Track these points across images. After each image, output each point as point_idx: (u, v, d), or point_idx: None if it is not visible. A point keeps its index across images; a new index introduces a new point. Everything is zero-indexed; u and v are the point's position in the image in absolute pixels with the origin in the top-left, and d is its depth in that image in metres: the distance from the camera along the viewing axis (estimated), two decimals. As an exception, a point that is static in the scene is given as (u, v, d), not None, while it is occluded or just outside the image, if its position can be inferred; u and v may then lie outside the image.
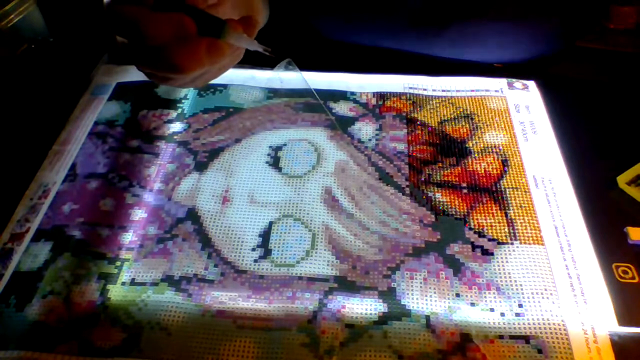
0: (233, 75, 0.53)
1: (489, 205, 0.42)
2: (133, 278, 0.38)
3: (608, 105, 0.50)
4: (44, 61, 0.56)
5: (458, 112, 0.49)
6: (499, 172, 0.44)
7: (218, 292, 0.37)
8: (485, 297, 0.37)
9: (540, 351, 0.34)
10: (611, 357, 0.33)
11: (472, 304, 0.36)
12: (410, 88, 0.52)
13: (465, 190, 0.43)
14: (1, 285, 0.38)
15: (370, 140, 0.47)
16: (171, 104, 0.51)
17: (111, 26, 0.30)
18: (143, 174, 0.45)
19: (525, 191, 0.43)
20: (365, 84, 0.52)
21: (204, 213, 0.42)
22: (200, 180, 0.44)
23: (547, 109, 0.50)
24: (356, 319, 0.36)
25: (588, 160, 0.45)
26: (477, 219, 0.41)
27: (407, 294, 0.37)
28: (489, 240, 0.40)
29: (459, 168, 0.45)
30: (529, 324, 0.35)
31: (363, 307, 0.36)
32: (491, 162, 0.45)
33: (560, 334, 0.35)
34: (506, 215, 0.41)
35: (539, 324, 0.35)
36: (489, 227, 0.41)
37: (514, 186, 0.43)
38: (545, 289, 0.37)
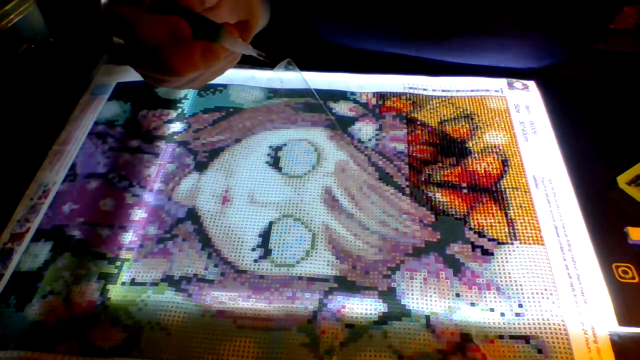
0: (233, 75, 0.53)
1: (489, 205, 0.42)
2: (133, 278, 0.38)
3: (608, 105, 0.50)
4: (44, 61, 0.56)
5: (458, 112, 0.49)
6: (499, 172, 0.44)
7: (218, 292, 0.37)
8: (485, 297, 0.37)
9: (540, 351, 0.34)
10: (611, 357, 0.33)
11: (472, 304, 0.36)
12: (410, 88, 0.52)
13: (465, 190, 0.43)
14: (1, 285, 0.38)
15: (370, 140, 0.47)
16: (171, 104, 0.51)
17: (108, 26, 0.30)
18: (143, 174, 0.45)
19: (525, 191, 0.43)
20: (365, 84, 0.52)
21: (204, 213, 0.42)
22: (200, 180, 0.44)
23: (547, 109, 0.50)
24: (356, 319, 0.36)
25: (588, 160, 0.45)
26: (477, 219, 0.41)
27: (407, 294, 0.37)
28: (489, 240, 0.40)
29: (459, 168, 0.45)
30: (529, 324, 0.35)
31: (363, 307, 0.36)
32: (491, 162, 0.45)
33: (560, 334, 0.35)
34: (506, 215, 0.41)
35: (539, 324, 0.35)
36: (489, 227, 0.41)
37: (514, 186, 0.43)
38: (545, 289, 0.37)
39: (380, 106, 0.50)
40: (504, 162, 0.45)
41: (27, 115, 0.51)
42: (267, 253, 0.39)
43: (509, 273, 0.38)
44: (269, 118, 0.49)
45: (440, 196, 0.43)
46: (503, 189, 0.43)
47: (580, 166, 0.44)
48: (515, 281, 0.37)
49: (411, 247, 0.39)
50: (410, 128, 0.48)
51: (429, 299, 0.37)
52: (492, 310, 0.36)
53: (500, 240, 0.40)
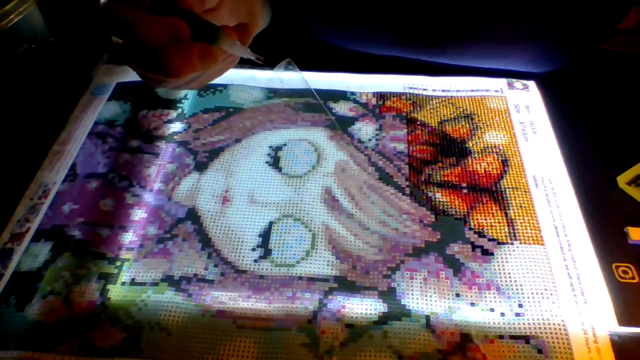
0: (233, 75, 0.53)
1: (489, 205, 0.42)
2: (133, 278, 0.38)
3: (608, 105, 0.50)
4: (44, 61, 0.56)
5: (458, 112, 0.49)
6: (499, 172, 0.44)
7: (218, 292, 0.37)
8: (485, 297, 0.37)
9: (540, 351, 0.34)
10: (611, 357, 0.33)
11: (472, 304, 0.36)
12: (410, 88, 0.52)
13: (465, 190, 0.43)
14: (1, 285, 0.38)
15: (370, 140, 0.47)
16: (171, 104, 0.51)
17: (107, 26, 0.30)
18: (143, 174, 0.45)
19: (525, 191, 0.43)
20: (365, 84, 0.52)
21: (204, 213, 0.42)
22: (200, 180, 0.44)
23: (547, 109, 0.50)
24: (356, 319, 0.36)
25: (588, 160, 0.45)
26: (477, 219, 0.41)
27: (407, 294, 0.37)
28: (489, 240, 0.40)
29: (459, 168, 0.45)
30: (529, 324, 0.35)
31: (363, 307, 0.36)
32: (491, 162, 0.45)
33: (560, 334, 0.35)
34: (506, 215, 0.41)
35: (539, 324, 0.35)
36: (489, 227, 0.41)
37: (514, 186, 0.43)
38: (545, 289, 0.37)
39: (380, 106, 0.50)
40: (504, 162, 0.45)
41: (27, 115, 0.51)
42: (267, 253, 0.39)
43: (509, 273, 0.38)
44: (269, 118, 0.49)
45: (440, 196, 0.43)
46: (503, 189, 0.43)
47: (580, 166, 0.44)
48: (515, 281, 0.37)
49: (411, 247, 0.39)
50: (410, 128, 0.48)
51: (429, 299, 0.37)
52: (492, 310, 0.36)
53: (500, 240, 0.40)
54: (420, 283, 0.37)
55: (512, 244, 0.39)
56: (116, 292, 0.37)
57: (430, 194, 0.43)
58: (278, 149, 0.47)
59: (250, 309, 0.36)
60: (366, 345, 0.34)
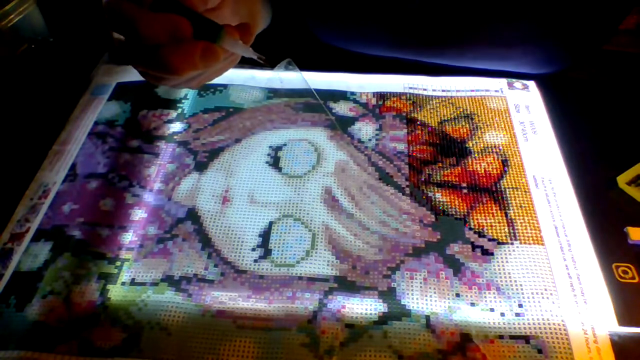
0: (233, 75, 0.53)
1: (489, 205, 0.42)
2: (133, 278, 0.38)
3: (608, 105, 0.50)
4: (44, 61, 0.56)
5: (458, 112, 0.49)
6: (499, 172, 0.44)
7: (218, 292, 0.37)
8: (485, 297, 0.37)
9: (540, 351, 0.34)
10: (611, 357, 0.33)
11: (472, 304, 0.36)
12: (410, 88, 0.52)
13: (465, 190, 0.43)
14: (1, 285, 0.38)
15: (370, 140, 0.47)
16: (171, 104, 0.51)
17: (109, 23, 0.30)
18: (143, 174, 0.45)
19: (525, 191, 0.43)
20: (365, 84, 0.52)
21: (204, 213, 0.42)
22: (200, 180, 0.44)
23: (547, 109, 0.50)
24: (356, 319, 0.36)
25: (588, 160, 0.45)
26: (477, 219, 0.41)
27: (407, 294, 0.37)
28: (489, 240, 0.40)
29: (459, 168, 0.45)
30: (529, 324, 0.35)
31: (363, 307, 0.36)
32: (491, 162, 0.45)
33: (560, 334, 0.35)
34: (506, 215, 0.41)
35: (539, 324, 0.35)
36: (489, 227, 0.41)
37: (514, 186, 0.43)
38: (545, 289, 0.37)
39: (380, 106, 0.50)
40: (504, 162, 0.45)
41: (27, 115, 0.51)
42: (267, 253, 0.39)
43: (509, 273, 0.38)
44: (269, 118, 0.49)
45: (440, 196, 0.43)
46: (503, 189, 0.43)
47: (580, 166, 0.44)
48: (515, 281, 0.37)
49: (411, 247, 0.39)
50: (410, 128, 0.48)
51: (429, 299, 0.37)
52: (492, 310, 0.36)
53: (500, 240, 0.40)
54: (420, 283, 0.37)
55: (512, 244, 0.39)
56: (116, 292, 0.37)
57: (430, 194, 0.43)
58: (278, 149, 0.47)
59: (250, 309, 0.36)
60: (366, 345, 0.34)
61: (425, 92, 0.51)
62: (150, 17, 0.29)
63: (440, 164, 0.45)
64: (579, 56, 0.52)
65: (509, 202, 0.42)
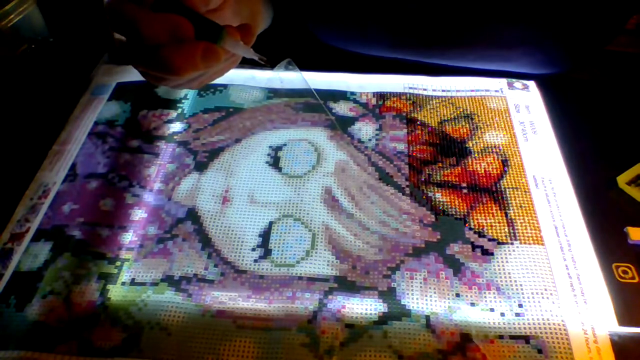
0: (233, 75, 0.53)
1: (489, 205, 0.42)
2: (133, 278, 0.38)
3: (608, 105, 0.50)
4: (44, 61, 0.56)
5: (458, 112, 0.49)
6: (499, 172, 0.44)
7: (218, 292, 0.37)
8: (485, 297, 0.37)
9: (540, 351, 0.34)
10: (611, 357, 0.33)
11: (472, 304, 0.36)
12: (410, 88, 0.52)
13: (465, 190, 0.43)
14: (1, 285, 0.38)
15: (370, 140, 0.47)
16: (171, 104, 0.51)
17: (110, 23, 0.30)
18: (143, 174, 0.45)
19: (525, 191, 0.43)
20: (365, 84, 0.52)
21: (204, 213, 0.42)
22: (200, 180, 0.44)
23: (547, 109, 0.50)
24: (356, 319, 0.36)
25: (588, 160, 0.45)
26: (477, 219, 0.41)
27: (407, 294, 0.37)
28: (489, 240, 0.40)
29: (459, 168, 0.45)
30: (529, 324, 0.35)
31: (363, 307, 0.36)
32: (491, 162, 0.45)
33: (560, 334, 0.35)
34: (506, 215, 0.41)
35: (539, 324, 0.35)
36: (489, 227, 0.41)
37: (514, 186, 0.43)
38: (545, 289, 0.37)
39: (380, 106, 0.50)
40: (504, 162, 0.45)
41: (27, 115, 0.51)
42: (267, 253, 0.39)
43: (509, 273, 0.38)
44: (269, 118, 0.49)
45: (440, 196, 0.43)
46: (503, 189, 0.43)
47: (580, 166, 0.44)
48: (515, 281, 0.37)
49: (411, 247, 0.39)
50: (410, 128, 0.48)
51: (429, 299, 0.37)
52: (492, 310, 0.36)
53: (500, 240, 0.40)
54: (420, 283, 0.37)
55: (512, 244, 0.39)
56: (116, 292, 0.37)
57: (430, 194, 0.43)
58: (278, 149, 0.47)
59: (250, 309, 0.36)
60: (366, 345, 0.34)
61: (425, 92, 0.51)
62: (151, 18, 0.29)
63: (440, 164, 0.45)
64: (579, 59, 0.52)
65: (509, 202, 0.42)
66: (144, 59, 0.31)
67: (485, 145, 0.46)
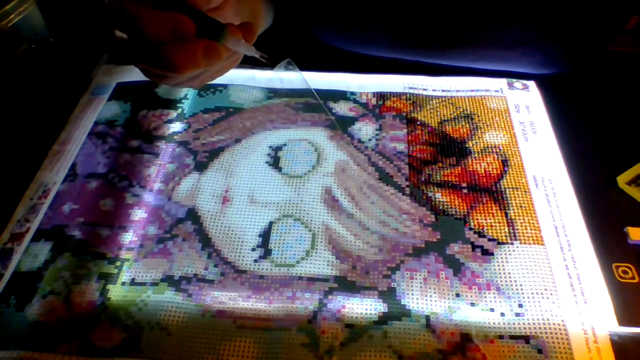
0: (233, 75, 0.53)
1: (489, 205, 0.42)
2: (133, 278, 0.38)
3: (608, 105, 0.50)
4: (44, 61, 0.56)
5: (458, 112, 0.49)
6: (499, 172, 0.44)
7: (218, 292, 0.37)
8: (485, 297, 0.37)
9: (540, 351, 0.34)
10: (611, 357, 0.33)
11: (472, 304, 0.36)
12: (410, 88, 0.52)
13: (465, 190, 0.43)
14: (1, 285, 0.38)
15: (370, 140, 0.47)
16: (171, 104, 0.51)
17: (111, 21, 0.30)
18: (143, 174, 0.45)
19: (525, 191, 0.43)
20: (365, 84, 0.52)
21: (204, 213, 0.42)
22: (200, 180, 0.44)
23: (547, 109, 0.50)
24: (356, 319, 0.36)
25: (588, 160, 0.45)
26: (477, 219, 0.41)
27: (407, 294, 0.37)
28: (489, 240, 0.40)
29: (459, 168, 0.45)
30: (529, 324, 0.35)
31: (363, 307, 0.36)
32: (491, 162, 0.45)
33: (560, 334, 0.35)
34: (506, 215, 0.41)
35: (539, 324, 0.35)
36: (489, 227, 0.41)
37: (514, 186, 0.43)
38: (545, 289, 0.37)
39: (380, 106, 0.50)
40: (504, 162, 0.45)
41: (27, 115, 0.51)
42: (267, 253, 0.39)
43: (509, 273, 0.38)
44: (269, 118, 0.49)
45: (440, 196, 0.43)
46: (503, 189, 0.43)
47: (580, 166, 0.44)
48: (515, 281, 0.37)
49: (411, 247, 0.39)
50: (410, 128, 0.48)
51: (429, 299, 0.37)
52: (492, 310, 0.36)
53: (500, 240, 0.40)
54: (420, 283, 0.37)
55: (512, 244, 0.39)
56: (116, 292, 0.37)
57: (430, 194, 0.43)
58: (278, 149, 0.47)
59: (250, 309, 0.36)
60: (366, 345, 0.34)
61: (425, 92, 0.51)
62: (153, 15, 0.29)
63: (440, 164, 0.45)
64: (579, 59, 0.52)
65: (509, 202, 0.42)
66: (145, 57, 0.31)
67: (485, 145, 0.46)
